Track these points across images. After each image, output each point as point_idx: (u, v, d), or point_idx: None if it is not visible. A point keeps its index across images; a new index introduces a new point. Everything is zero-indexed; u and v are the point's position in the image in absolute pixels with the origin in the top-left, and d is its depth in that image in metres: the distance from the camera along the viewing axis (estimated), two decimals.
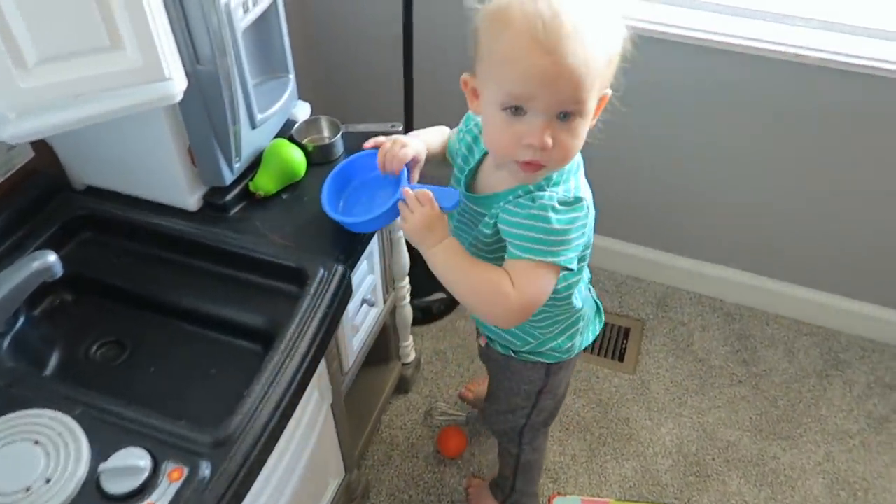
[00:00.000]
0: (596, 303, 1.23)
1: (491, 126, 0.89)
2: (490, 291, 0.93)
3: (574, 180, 0.95)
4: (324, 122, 1.28)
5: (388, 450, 1.64)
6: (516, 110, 0.83)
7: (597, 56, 0.80)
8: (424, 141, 1.09)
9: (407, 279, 1.52)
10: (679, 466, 1.62)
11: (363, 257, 1.26)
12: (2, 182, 1.09)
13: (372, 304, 1.34)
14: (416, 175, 1.05)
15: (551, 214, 0.89)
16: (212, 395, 0.98)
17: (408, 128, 1.67)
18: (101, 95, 0.87)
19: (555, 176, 0.93)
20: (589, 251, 1.06)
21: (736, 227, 1.84)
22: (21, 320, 0.97)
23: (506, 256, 0.94)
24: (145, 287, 1.09)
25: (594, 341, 1.25)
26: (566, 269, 0.93)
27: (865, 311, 1.86)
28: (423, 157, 1.06)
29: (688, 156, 1.76)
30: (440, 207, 0.96)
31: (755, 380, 1.79)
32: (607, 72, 0.84)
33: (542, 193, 0.91)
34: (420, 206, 0.95)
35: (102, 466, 0.79)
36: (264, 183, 1.17)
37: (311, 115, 1.31)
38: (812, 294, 1.89)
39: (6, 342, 0.94)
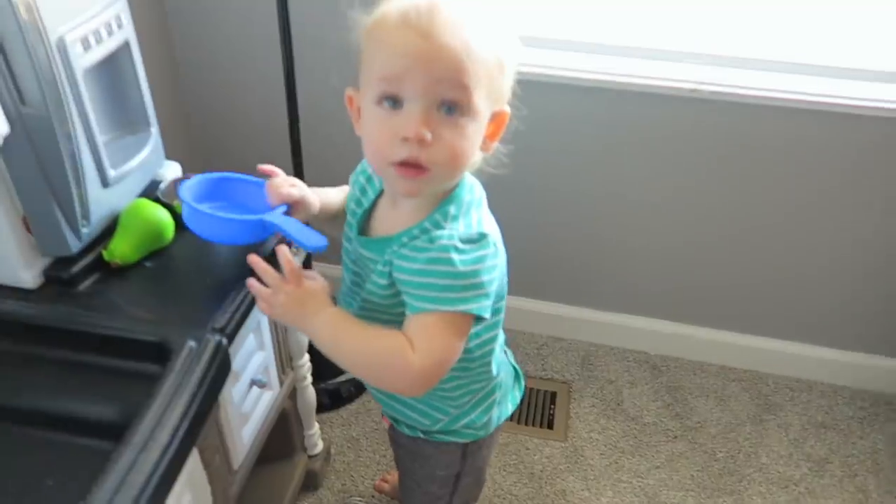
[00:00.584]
0: (514, 368, 1.10)
1: (367, 128, 0.78)
2: (388, 363, 0.80)
3: (476, 214, 0.84)
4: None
5: None
6: (393, 103, 0.73)
7: (480, 46, 0.73)
8: (322, 196, 0.98)
9: (307, 356, 1.34)
10: None
11: (248, 329, 1.09)
12: None
13: (262, 386, 1.15)
14: (299, 217, 0.95)
15: (454, 255, 0.77)
16: None
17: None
18: None
19: (452, 209, 0.81)
20: (503, 303, 0.94)
21: (654, 276, 1.79)
22: None
23: (406, 312, 0.80)
24: None
25: (515, 411, 1.11)
26: (479, 318, 0.80)
27: (790, 350, 1.82)
28: (311, 207, 0.96)
29: (598, 205, 1.70)
30: (302, 247, 0.87)
31: (691, 434, 1.69)
32: (498, 76, 0.76)
33: (440, 233, 0.79)
34: (284, 286, 0.83)
35: None
36: (122, 249, 0.99)
37: (182, 173, 1.15)
38: (736, 338, 1.84)
39: None
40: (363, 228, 0.91)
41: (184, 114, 1.77)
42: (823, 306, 1.74)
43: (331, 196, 1.01)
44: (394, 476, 1.49)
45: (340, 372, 1.72)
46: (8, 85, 0.81)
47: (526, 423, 1.70)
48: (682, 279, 1.78)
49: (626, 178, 1.65)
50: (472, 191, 0.85)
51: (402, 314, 0.82)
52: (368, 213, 0.92)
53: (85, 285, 0.97)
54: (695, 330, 1.85)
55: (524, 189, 1.66)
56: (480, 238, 0.80)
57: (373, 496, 1.52)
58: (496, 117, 0.79)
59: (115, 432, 0.80)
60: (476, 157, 0.81)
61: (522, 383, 1.11)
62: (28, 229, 0.94)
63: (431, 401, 0.98)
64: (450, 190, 0.83)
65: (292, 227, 0.91)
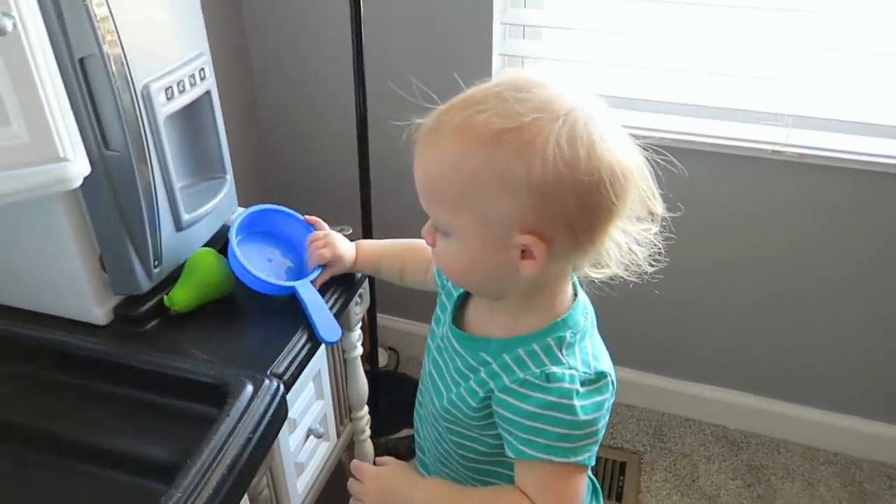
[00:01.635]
0: (592, 481, 0.99)
1: None
2: None
3: (590, 344, 0.76)
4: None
5: None
6: None
7: (448, 168, 0.67)
8: (370, 250, 1.03)
9: (366, 409, 1.32)
10: None
11: (308, 378, 1.08)
12: None
13: (320, 436, 1.13)
14: (324, 277, 1.01)
15: (576, 402, 0.69)
16: None
17: (365, 232, 1.54)
18: None
19: (568, 336, 0.73)
20: None
21: (734, 345, 1.69)
22: None
23: (512, 455, 0.72)
24: (29, 418, 0.89)
25: None
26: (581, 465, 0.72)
27: (886, 434, 1.66)
28: (344, 263, 1.01)
29: (677, 269, 1.63)
30: (315, 332, 0.94)
31: None
32: (493, 194, 0.65)
33: (558, 372, 0.71)
34: (371, 481, 0.82)
35: None
36: (181, 298, 0.99)
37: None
38: (824, 416, 1.70)
39: None
40: (456, 317, 0.84)
41: (258, 162, 1.83)
42: None
43: (383, 252, 1.03)
44: None
45: (399, 427, 1.68)
46: (93, 128, 0.85)
47: None
48: (765, 350, 1.67)
49: (707, 243, 1.58)
50: (586, 313, 0.78)
51: (488, 436, 0.77)
52: (462, 301, 0.85)
53: (151, 325, 0.98)
54: (778, 405, 1.72)
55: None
56: (599, 378, 0.72)
57: None
58: (530, 241, 0.67)
59: (169, 473, 0.80)
60: (512, 278, 0.71)
61: (600, 499, 1.00)
62: (103, 268, 0.96)
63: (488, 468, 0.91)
64: (557, 307, 0.76)
65: (316, 308, 0.97)
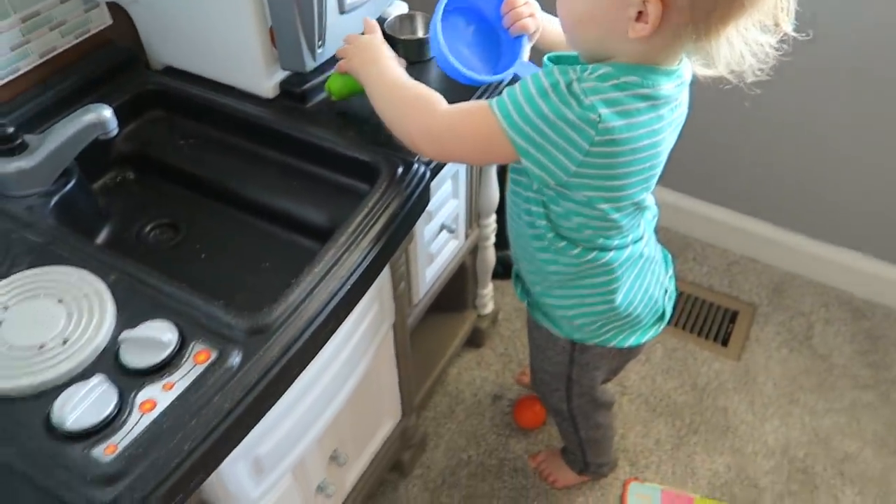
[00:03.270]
0: (664, 309, 1.02)
1: None
2: (416, 104, 0.83)
3: (616, 95, 0.72)
4: (419, 19, 1.14)
5: (453, 403, 1.50)
6: None
7: None
8: (554, 35, 0.96)
9: (493, 217, 1.38)
10: (782, 470, 1.40)
11: (447, 175, 1.13)
12: (74, 45, 1.03)
13: (452, 232, 1.21)
14: (528, 50, 0.96)
15: (547, 86, 0.73)
16: (260, 287, 0.87)
17: None
18: None
19: (603, 69, 0.73)
20: (629, 202, 0.84)
21: (876, 207, 1.58)
22: (73, 182, 0.89)
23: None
24: (209, 172, 1.01)
25: (674, 318, 1.06)
26: (495, 115, 0.76)
27: None
28: (538, 35, 0.96)
29: (823, 127, 1.51)
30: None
31: (885, 387, 1.54)
32: None
33: (567, 67, 0.74)
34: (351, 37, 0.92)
35: (125, 334, 0.69)
36: (335, 85, 1.02)
37: (409, 10, 1.18)
38: None
39: (53, 202, 0.87)
40: None
41: None
42: None
43: (552, 26, 0.97)
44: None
45: None
46: None
47: (699, 335, 1.63)
48: None
49: (860, 101, 1.43)
50: (654, 81, 0.74)
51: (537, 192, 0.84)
52: None
53: (313, 103, 1.05)
54: None
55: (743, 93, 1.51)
56: (585, 107, 0.72)
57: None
58: (643, 8, 0.68)
59: (325, 236, 0.89)
60: (620, 39, 0.71)
61: (660, 328, 1.03)
62: (273, 43, 1.02)
63: (524, 245, 0.95)
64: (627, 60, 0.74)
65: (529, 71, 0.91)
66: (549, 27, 0.97)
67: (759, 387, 1.54)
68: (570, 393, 1.13)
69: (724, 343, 1.62)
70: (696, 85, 0.82)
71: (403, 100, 0.85)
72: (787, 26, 0.70)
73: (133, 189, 1.02)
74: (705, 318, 1.67)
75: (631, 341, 1.02)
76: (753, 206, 1.73)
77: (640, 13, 0.68)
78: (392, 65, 0.88)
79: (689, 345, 1.61)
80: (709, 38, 0.69)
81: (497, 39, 1.00)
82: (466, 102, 0.82)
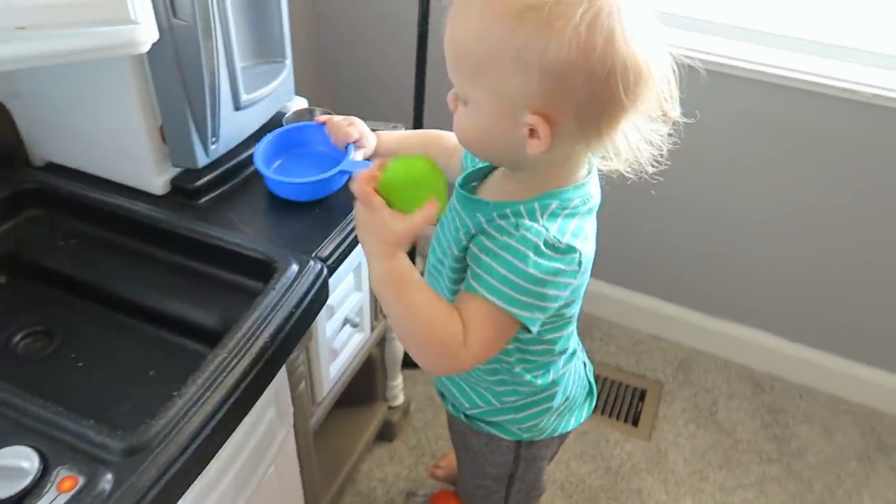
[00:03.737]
0: (590, 383, 1.03)
1: None
2: (440, 341, 0.73)
3: (577, 223, 0.75)
4: (318, 115, 1.15)
5: (365, 503, 1.43)
6: None
7: (470, 37, 0.67)
8: (390, 138, 1.02)
9: None
10: None
11: (349, 269, 1.11)
12: None
13: (356, 326, 1.18)
14: (359, 154, 0.99)
15: (531, 255, 0.71)
16: (144, 399, 0.80)
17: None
18: (51, 32, 0.75)
19: (554, 204, 0.74)
20: (573, 315, 0.86)
21: (769, 288, 1.67)
22: None
23: (462, 287, 0.76)
24: (90, 274, 0.95)
25: (597, 403, 1.06)
26: (525, 329, 0.75)
27: None
28: (370, 145, 1.00)
29: (721, 205, 1.61)
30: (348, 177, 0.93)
31: (788, 459, 1.58)
32: (508, 72, 0.66)
33: (529, 224, 0.72)
34: (369, 209, 0.73)
35: None
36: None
37: (308, 106, 1.18)
38: (852, 367, 1.69)
39: None
40: (472, 186, 0.86)
41: (317, 52, 1.82)
42: None
43: (406, 141, 1.02)
44: (448, 461, 1.48)
45: None
46: None
47: (609, 416, 1.64)
48: (798, 295, 1.65)
49: (755, 180, 1.54)
50: (586, 197, 0.77)
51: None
52: (484, 176, 0.86)
53: (205, 199, 1.02)
54: (807, 351, 1.72)
55: (645, 180, 1.59)
56: (567, 251, 0.72)
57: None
58: (536, 121, 0.67)
59: (215, 339, 0.84)
60: (521, 153, 0.71)
61: (593, 402, 1.03)
62: (163, 139, 0.99)
63: (473, 384, 0.94)
64: (558, 182, 0.75)
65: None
66: (382, 136, 1.02)
67: (670, 465, 1.55)
68: (509, 492, 1.09)
69: (635, 423, 1.63)
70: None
71: (422, 327, 0.74)
72: (674, 112, 0.73)
73: (3, 294, 0.95)
74: (615, 398, 1.69)
75: (572, 424, 1.00)
76: (657, 286, 1.79)
77: (531, 130, 0.69)
78: (409, 266, 0.74)
79: (601, 426, 1.62)
80: (603, 140, 0.71)
81: (330, 160, 1.03)
82: (465, 310, 0.73)
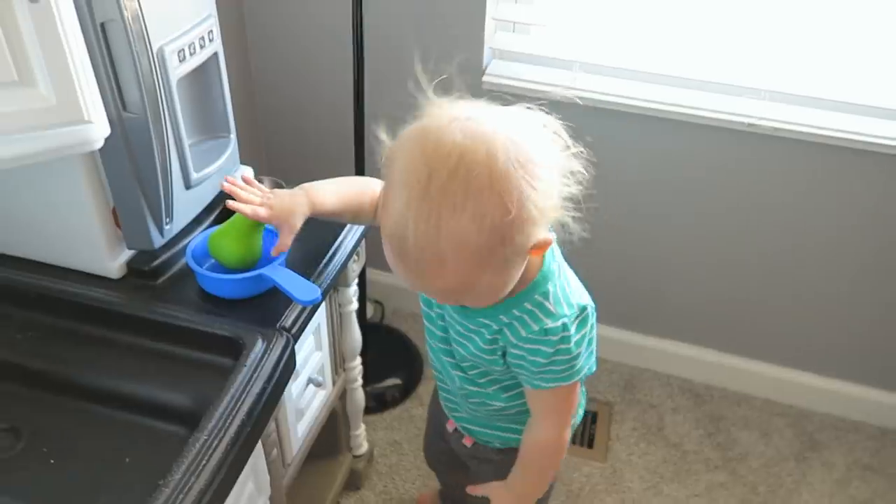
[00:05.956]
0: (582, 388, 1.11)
1: None
2: (551, 462, 0.99)
3: (566, 280, 0.88)
4: (266, 183, 1.18)
5: None
6: None
7: (460, 280, 0.73)
8: (325, 199, 0.96)
9: (359, 359, 1.39)
10: None
11: (309, 331, 1.14)
12: None
13: (319, 384, 1.21)
14: (287, 240, 0.94)
15: (572, 344, 0.85)
16: (122, 487, 0.82)
17: None
18: (7, 137, 0.77)
19: (550, 287, 0.84)
20: None
21: (700, 305, 1.79)
22: None
23: (525, 385, 0.90)
24: (52, 365, 0.95)
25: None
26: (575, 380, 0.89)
27: (836, 389, 1.79)
28: (295, 219, 0.93)
29: (650, 230, 1.72)
30: (294, 300, 0.96)
31: (732, 465, 1.68)
32: (492, 253, 0.71)
33: (551, 326, 0.83)
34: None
35: None
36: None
37: (255, 177, 1.21)
38: (781, 372, 1.82)
39: None
40: None
41: (256, 122, 1.85)
42: (873, 347, 1.72)
43: (327, 194, 0.97)
44: (428, 496, 1.53)
45: (387, 376, 1.77)
46: (113, 91, 0.88)
47: None
48: (728, 310, 1.77)
49: (677, 206, 1.66)
50: (554, 256, 0.87)
51: (505, 371, 0.92)
52: None
53: (163, 279, 1.03)
54: (740, 361, 1.84)
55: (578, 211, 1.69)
56: (582, 311, 0.86)
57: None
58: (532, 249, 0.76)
59: (188, 418, 0.86)
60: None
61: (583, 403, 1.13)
62: (117, 223, 1.00)
63: (506, 422, 1.03)
64: (532, 264, 0.83)
65: (285, 279, 0.97)
66: (317, 196, 0.96)
67: (626, 484, 1.62)
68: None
69: (590, 445, 1.71)
70: None
71: (544, 474, 1.01)
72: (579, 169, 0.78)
73: None
74: None
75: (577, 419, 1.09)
76: (600, 313, 1.88)
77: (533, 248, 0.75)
78: (510, 482, 1.02)
79: None
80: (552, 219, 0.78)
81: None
82: (542, 401, 0.92)
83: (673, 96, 1.51)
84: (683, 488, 1.62)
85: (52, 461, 0.86)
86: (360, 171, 1.55)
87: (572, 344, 0.84)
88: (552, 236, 0.82)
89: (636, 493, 1.61)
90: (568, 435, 0.95)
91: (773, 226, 1.62)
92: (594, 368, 0.90)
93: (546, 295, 0.84)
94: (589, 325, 0.87)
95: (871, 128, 1.44)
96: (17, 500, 0.70)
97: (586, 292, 0.90)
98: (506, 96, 0.82)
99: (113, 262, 1.02)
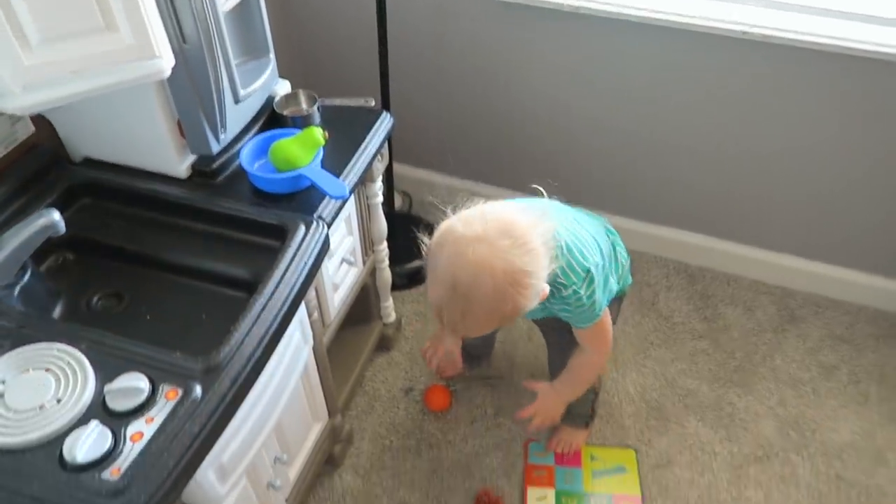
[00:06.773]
0: (609, 230, 1.49)
1: None
2: (596, 372, 1.49)
3: (571, 251, 1.18)
4: (302, 96, 1.39)
5: (371, 400, 1.77)
6: None
7: (481, 324, 1.08)
8: None
9: (385, 243, 1.64)
10: (641, 412, 1.75)
11: (341, 219, 1.38)
12: (5, 154, 1.21)
13: (351, 264, 1.47)
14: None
15: (585, 301, 1.21)
16: (203, 335, 1.10)
17: (384, 101, 1.78)
18: (97, 72, 0.99)
19: (559, 271, 1.15)
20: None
21: (699, 195, 1.96)
22: (28, 273, 1.09)
23: (578, 327, 1.31)
24: (139, 246, 1.22)
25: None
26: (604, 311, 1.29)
27: (820, 271, 1.98)
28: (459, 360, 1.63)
29: (657, 137, 1.87)
30: (326, 195, 1.24)
31: (715, 334, 1.92)
32: (512, 309, 1.05)
33: (569, 293, 1.19)
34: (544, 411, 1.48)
35: (108, 387, 0.92)
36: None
37: (291, 90, 1.42)
38: (770, 256, 2.01)
39: (16, 291, 1.07)
40: None
41: (292, 41, 2.03)
42: (854, 229, 1.88)
43: None
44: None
45: (414, 258, 2.03)
46: (175, 30, 1.09)
47: None
48: (723, 199, 1.94)
49: (674, 99, 1.80)
50: (559, 235, 1.15)
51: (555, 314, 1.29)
52: None
53: (221, 178, 1.28)
54: (733, 246, 2.03)
55: (583, 107, 1.84)
56: (587, 274, 1.19)
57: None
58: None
59: (247, 286, 1.13)
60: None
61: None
62: (182, 133, 1.24)
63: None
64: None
65: (320, 178, 1.23)
66: None
67: (619, 349, 1.88)
68: None
69: None
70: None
71: (589, 379, 1.48)
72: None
73: (74, 268, 1.22)
74: None
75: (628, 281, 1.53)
76: (608, 202, 2.08)
77: None
78: (560, 387, 1.46)
79: None
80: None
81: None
82: (590, 334, 1.32)
83: (667, 3, 1.63)
84: (669, 353, 1.88)
85: (148, 317, 1.15)
86: (384, 82, 1.74)
87: (584, 298, 1.20)
88: (554, 224, 1.13)
89: (626, 356, 1.87)
90: (605, 359, 1.40)
91: (766, 128, 1.76)
92: (628, 283, 1.47)
93: (560, 274, 1.16)
94: (598, 280, 1.21)
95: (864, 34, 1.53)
96: (129, 341, 0.98)
97: (595, 249, 1.24)
98: None
99: (181, 164, 1.26)
